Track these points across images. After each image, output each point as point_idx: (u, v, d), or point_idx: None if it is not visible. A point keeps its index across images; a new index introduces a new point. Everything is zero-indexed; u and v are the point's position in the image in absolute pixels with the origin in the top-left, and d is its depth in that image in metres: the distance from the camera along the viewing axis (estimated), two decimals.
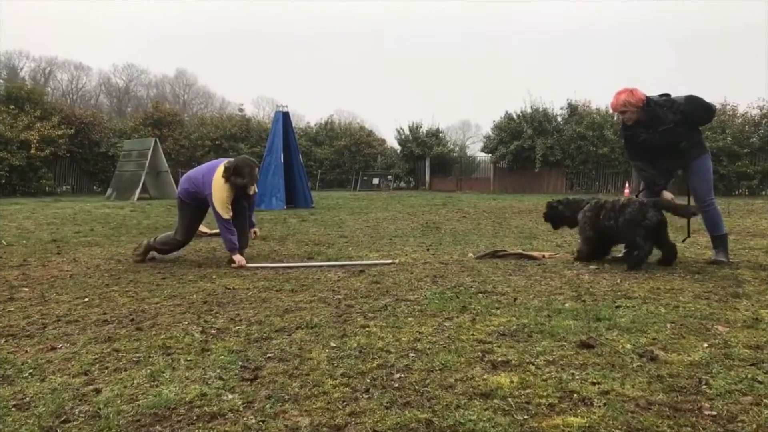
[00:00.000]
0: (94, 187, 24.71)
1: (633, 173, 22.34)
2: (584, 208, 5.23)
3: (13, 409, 2.10)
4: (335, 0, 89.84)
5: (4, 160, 20.21)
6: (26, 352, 2.75)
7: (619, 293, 3.87)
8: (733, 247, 5.79)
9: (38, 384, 2.33)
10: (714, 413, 1.99)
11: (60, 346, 2.84)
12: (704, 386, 2.22)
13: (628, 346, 2.71)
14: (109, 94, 55.39)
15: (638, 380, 2.29)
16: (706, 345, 2.72)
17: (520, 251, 5.77)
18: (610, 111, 24.40)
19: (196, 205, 5.52)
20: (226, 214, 5.24)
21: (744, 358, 2.52)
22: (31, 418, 2.02)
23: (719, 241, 5.06)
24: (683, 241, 5.63)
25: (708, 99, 4.95)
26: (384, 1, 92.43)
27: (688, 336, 2.87)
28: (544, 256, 5.56)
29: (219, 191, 5.21)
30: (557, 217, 5.59)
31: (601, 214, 5.07)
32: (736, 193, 21.47)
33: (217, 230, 7.66)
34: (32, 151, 20.88)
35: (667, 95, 4.99)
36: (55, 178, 23.09)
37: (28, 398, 2.19)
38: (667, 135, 4.90)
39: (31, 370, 2.48)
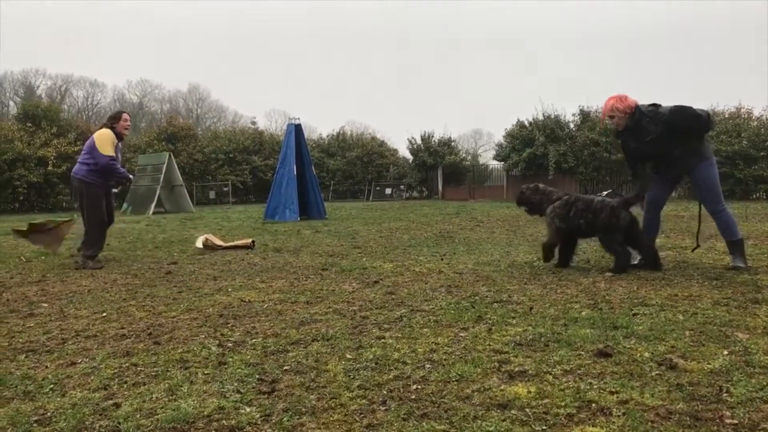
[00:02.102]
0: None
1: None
2: (555, 204, 5.31)
3: (35, 424, 2.12)
4: (345, 12, 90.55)
5: (23, 177, 20.52)
6: (46, 367, 2.79)
7: (636, 300, 3.84)
8: (751, 252, 5.72)
9: (59, 399, 2.36)
10: (735, 422, 1.97)
11: (79, 361, 2.87)
12: (725, 394, 2.20)
13: (647, 354, 2.69)
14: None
15: (657, 389, 2.27)
16: (726, 352, 2.69)
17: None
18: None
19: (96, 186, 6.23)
20: (111, 153, 6.13)
21: (765, 365, 2.49)
22: None
23: (735, 246, 5.00)
24: (693, 250, 5.60)
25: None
26: (394, 13, 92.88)
27: (707, 343, 2.84)
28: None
29: (102, 137, 6.18)
30: (525, 201, 5.65)
31: (571, 212, 5.16)
32: (754, 196, 21.20)
33: (232, 243, 7.74)
34: (49, 168, 21.19)
35: (655, 105, 5.00)
36: (72, 193, 23.39)
37: (49, 413, 2.21)
38: (656, 145, 4.92)
39: (52, 386, 2.51)
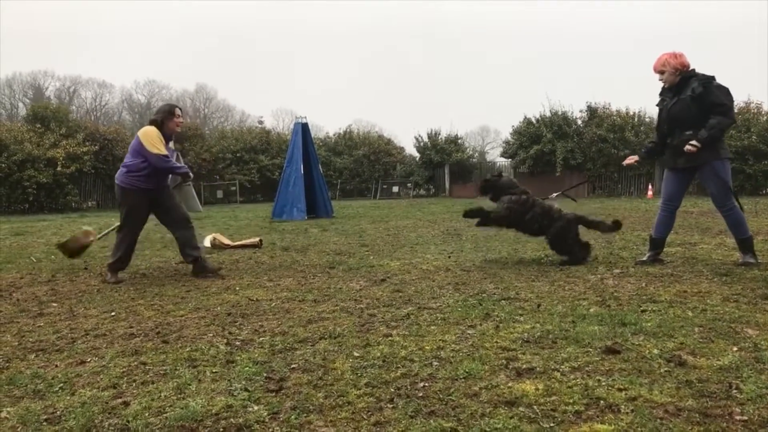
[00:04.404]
0: None
1: (656, 175, 22.05)
2: (513, 197, 5.62)
3: (45, 423, 2.14)
4: (351, 10, 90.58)
5: (32, 178, 20.62)
6: (56, 366, 2.81)
7: (644, 297, 3.82)
8: (761, 248, 5.68)
9: (68, 398, 2.37)
10: (745, 418, 1.96)
11: (89, 360, 2.89)
12: (734, 391, 2.18)
13: (655, 351, 2.68)
14: (132, 111, 56.26)
15: (666, 386, 2.26)
16: (735, 349, 2.67)
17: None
18: (630, 113, 24.09)
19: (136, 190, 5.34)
20: (164, 150, 5.22)
21: None
22: (62, 431, 2.06)
23: (745, 243, 4.97)
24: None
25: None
26: (400, 9, 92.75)
27: (717, 340, 2.82)
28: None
29: (148, 135, 5.23)
30: (490, 188, 5.93)
31: (528, 215, 5.56)
32: (763, 192, 21.04)
33: (240, 242, 7.76)
34: (58, 169, 21.29)
35: (712, 77, 4.94)
36: (81, 194, 23.49)
37: (58, 412, 2.23)
38: (680, 106, 4.90)
39: (62, 384, 2.53)
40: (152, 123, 5.37)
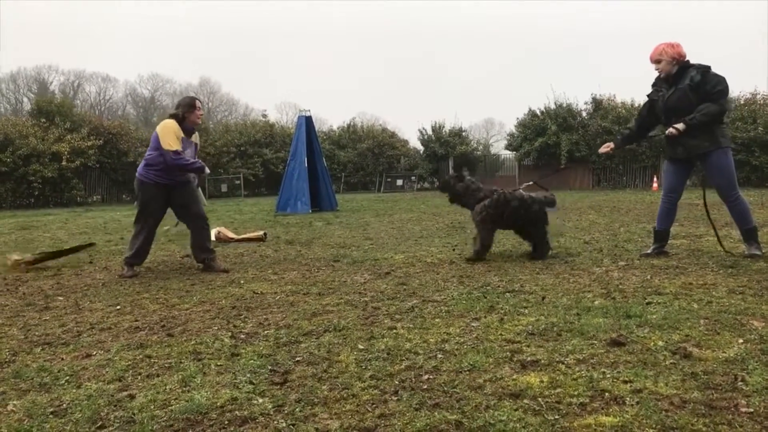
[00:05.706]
0: (123, 197, 25.14)
1: (661, 167, 21.95)
2: (485, 203, 5.33)
3: (51, 415, 2.15)
4: (354, 4, 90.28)
5: (37, 172, 20.69)
6: (62, 359, 2.82)
7: (649, 289, 3.81)
8: (767, 240, 5.65)
9: (74, 391, 2.39)
10: (751, 410, 1.95)
11: (94, 353, 2.90)
12: (740, 383, 2.18)
13: (660, 343, 2.67)
14: (136, 105, 56.32)
15: (671, 378, 2.25)
16: (741, 341, 2.66)
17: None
18: (636, 105, 23.98)
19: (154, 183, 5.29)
20: (177, 146, 5.14)
21: None
22: (68, 424, 2.07)
23: (750, 234, 4.95)
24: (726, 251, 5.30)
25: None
26: (403, 3, 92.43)
27: (722, 332, 2.81)
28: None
29: (165, 129, 5.17)
30: (449, 190, 5.67)
31: (505, 213, 5.29)
32: None
33: (245, 236, 7.77)
34: (63, 163, 21.33)
35: (708, 67, 4.92)
36: (86, 188, 23.54)
37: (64, 405, 2.24)
38: (678, 95, 4.87)
39: (68, 377, 2.54)
40: (173, 117, 5.28)
